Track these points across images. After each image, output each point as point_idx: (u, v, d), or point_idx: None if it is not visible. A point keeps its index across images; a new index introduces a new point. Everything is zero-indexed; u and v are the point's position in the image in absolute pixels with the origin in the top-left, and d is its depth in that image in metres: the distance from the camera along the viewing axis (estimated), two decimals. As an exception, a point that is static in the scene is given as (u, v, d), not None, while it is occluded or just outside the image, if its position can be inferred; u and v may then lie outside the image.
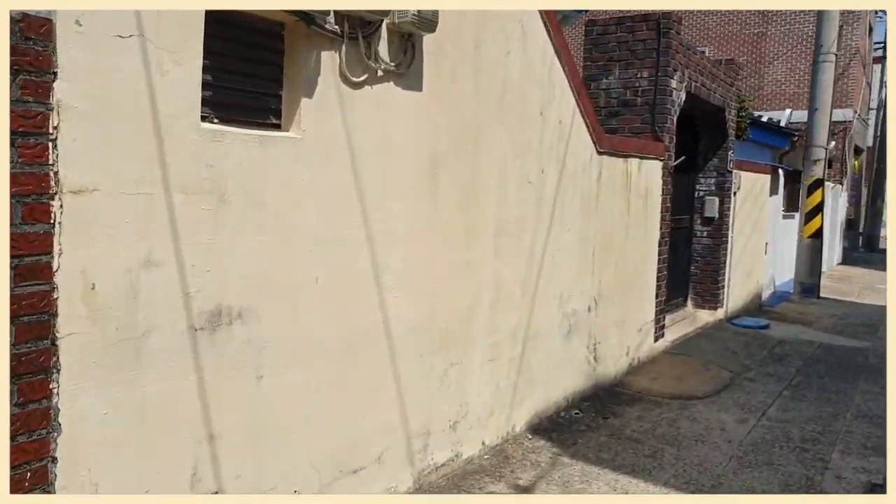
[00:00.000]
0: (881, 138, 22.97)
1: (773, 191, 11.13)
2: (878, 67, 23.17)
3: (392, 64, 3.05)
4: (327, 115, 2.78)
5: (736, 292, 8.98)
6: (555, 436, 4.37)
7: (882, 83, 22.69)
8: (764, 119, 11.32)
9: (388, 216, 3.11)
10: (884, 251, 22.94)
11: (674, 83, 6.30)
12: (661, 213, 6.29)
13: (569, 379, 4.85)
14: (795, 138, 10.95)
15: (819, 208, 11.28)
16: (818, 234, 11.35)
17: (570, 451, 4.18)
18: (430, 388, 3.46)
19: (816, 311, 10.29)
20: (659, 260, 6.32)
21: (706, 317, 8.21)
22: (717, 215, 8.20)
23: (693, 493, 3.73)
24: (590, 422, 4.66)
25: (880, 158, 22.99)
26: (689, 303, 8.39)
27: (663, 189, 6.28)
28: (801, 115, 18.09)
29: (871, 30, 20.13)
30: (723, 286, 8.38)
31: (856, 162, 20.26)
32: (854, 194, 20.95)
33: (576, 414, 4.74)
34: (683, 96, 6.56)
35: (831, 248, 17.00)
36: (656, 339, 6.38)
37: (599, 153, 5.02)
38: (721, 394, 5.53)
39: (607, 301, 5.35)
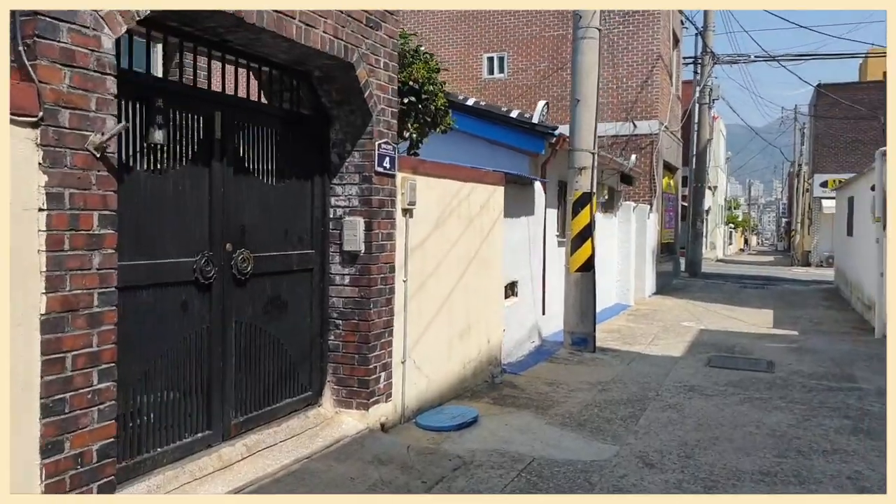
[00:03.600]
0: (698, 157, 21.11)
1: (527, 209, 7.92)
2: (697, 89, 21.27)
3: None
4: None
5: (435, 366, 5.51)
6: None
7: (695, 103, 20.83)
8: (513, 115, 8.18)
9: None
10: (707, 276, 20.96)
11: (88, -47, 2.68)
12: (50, 253, 2.60)
13: None
14: (554, 139, 7.92)
15: (588, 232, 8.17)
16: (589, 265, 8.23)
17: None
18: None
19: (576, 376, 7.03)
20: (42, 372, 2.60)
21: (353, 424, 4.60)
22: (362, 248, 4.68)
23: None
24: None
25: (698, 177, 21.10)
26: (329, 398, 4.77)
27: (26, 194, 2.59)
28: (605, 128, 15.54)
29: (676, 40, 18.06)
30: (383, 365, 4.82)
31: (670, 181, 18.00)
32: (672, 215, 18.71)
33: None
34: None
35: (640, 276, 14.32)
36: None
37: None
38: None
39: None
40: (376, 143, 4.61)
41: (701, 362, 7.87)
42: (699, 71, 20.26)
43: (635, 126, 15.34)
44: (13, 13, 2.48)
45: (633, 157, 13.64)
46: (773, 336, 9.91)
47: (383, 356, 4.79)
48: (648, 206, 14.70)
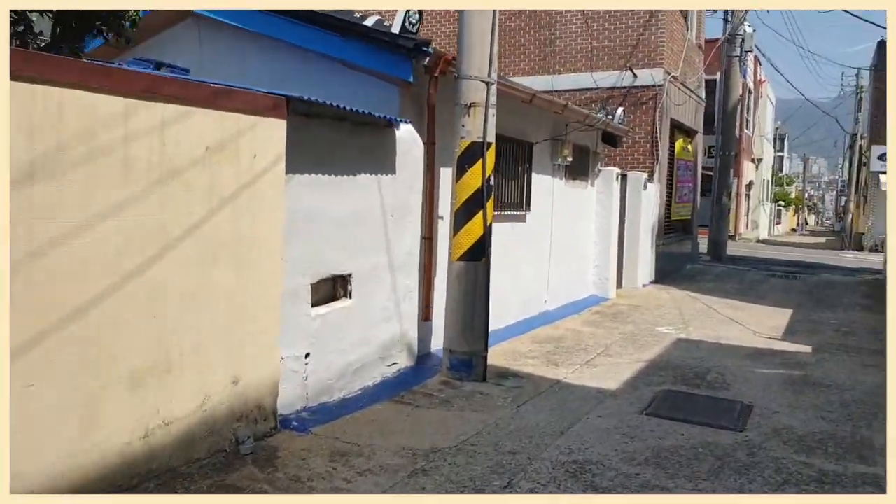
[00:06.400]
0: (725, 120, 17.66)
1: (380, 166, 5.13)
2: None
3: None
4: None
5: (37, 442, 2.89)
6: None
7: (723, 56, 17.29)
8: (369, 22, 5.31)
9: None
10: (734, 260, 17.64)
11: None
12: None
13: None
14: (427, 60, 5.05)
15: (479, 202, 5.34)
16: (478, 251, 5.41)
17: None
18: None
19: (408, 434, 4.23)
20: None
21: None
22: None
23: None
24: None
25: (725, 144, 17.67)
26: None
27: None
28: (599, 78, 12.44)
29: (700, -25, 14.60)
30: None
31: (686, 145, 14.72)
32: (689, 187, 15.42)
33: None
34: None
35: (631, 261, 11.37)
36: None
37: None
38: None
39: None
40: None
41: (638, 405, 5.02)
42: (729, 17, 16.74)
43: (635, 76, 12.20)
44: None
45: (620, 109, 10.57)
46: (774, 354, 6.91)
47: None
48: (645, 175, 11.62)
